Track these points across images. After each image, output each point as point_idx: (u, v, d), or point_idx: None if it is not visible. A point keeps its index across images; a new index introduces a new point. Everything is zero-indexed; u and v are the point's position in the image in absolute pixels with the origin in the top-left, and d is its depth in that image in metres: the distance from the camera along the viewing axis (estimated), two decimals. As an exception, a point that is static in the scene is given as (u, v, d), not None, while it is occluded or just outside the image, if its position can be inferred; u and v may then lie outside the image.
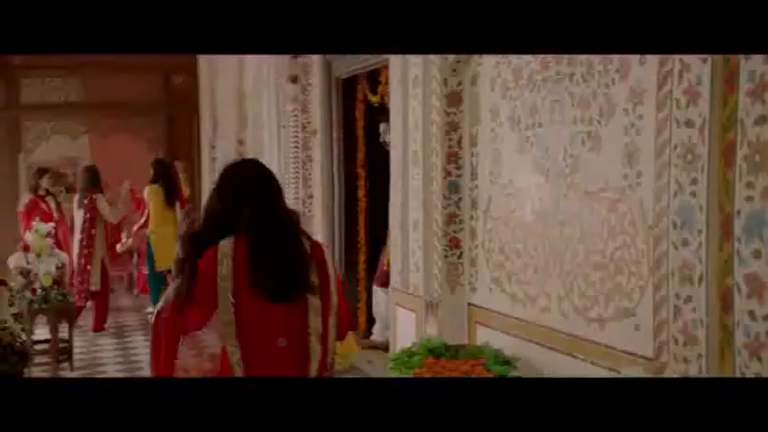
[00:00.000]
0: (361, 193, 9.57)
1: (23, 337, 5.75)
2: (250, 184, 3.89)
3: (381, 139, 8.62)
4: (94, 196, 11.62)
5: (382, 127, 8.56)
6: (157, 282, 12.23)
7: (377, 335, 9.01)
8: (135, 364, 9.72)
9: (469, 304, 6.12)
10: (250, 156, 12.24)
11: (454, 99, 6.09)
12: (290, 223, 3.82)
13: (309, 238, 3.90)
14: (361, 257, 9.61)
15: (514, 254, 5.53)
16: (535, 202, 5.26)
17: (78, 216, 11.73)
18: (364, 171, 9.61)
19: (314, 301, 3.71)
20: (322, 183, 9.75)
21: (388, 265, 8.28)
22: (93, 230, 11.48)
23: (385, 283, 8.31)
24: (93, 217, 11.48)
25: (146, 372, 9.02)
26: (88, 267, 11.42)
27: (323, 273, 3.80)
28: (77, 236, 11.64)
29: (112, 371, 9.43)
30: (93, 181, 11.79)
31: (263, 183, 3.93)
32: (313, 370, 3.71)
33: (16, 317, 5.94)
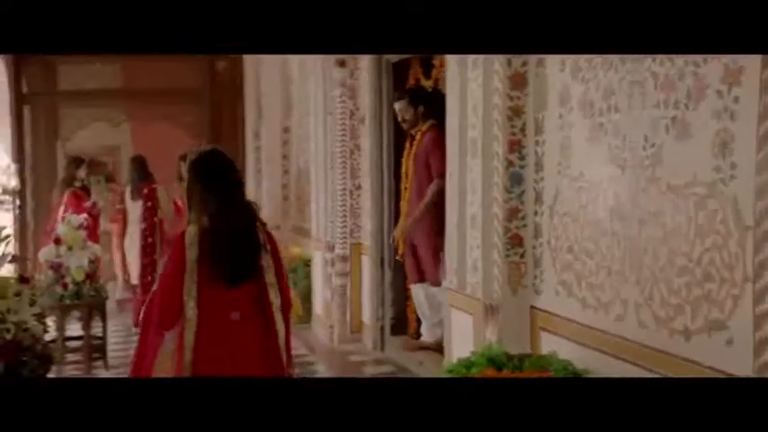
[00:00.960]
0: None
1: (47, 338, 5.37)
2: (210, 176, 4.54)
3: (401, 119, 8.53)
4: (154, 186, 11.50)
5: (399, 105, 8.46)
6: None
7: (426, 335, 8.69)
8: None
9: (533, 308, 5.71)
10: (295, 143, 12.39)
11: (518, 81, 5.67)
12: (247, 213, 4.61)
13: (264, 227, 4.70)
14: None
15: (585, 254, 5.10)
16: (609, 196, 4.83)
17: (135, 207, 11.60)
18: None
19: (271, 280, 4.55)
20: (370, 173, 9.44)
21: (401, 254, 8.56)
22: (154, 220, 11.33)
23: (421, 279, 8.37)
24: (153, 207, 11.34)
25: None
26: (155, 257, 11.25)
27: (276, 258, 4.68)
28: (135, 227, 11.56)
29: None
30: (144, 172, 11.76)
31: (222, 174, 4.57)
32: (281, 340, 4.59)
33: (39, 317, 5.55)
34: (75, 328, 9.23)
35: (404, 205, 8.55)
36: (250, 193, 14.76)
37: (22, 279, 5.64)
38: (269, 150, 13.84)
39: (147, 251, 11.17)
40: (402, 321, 9.32)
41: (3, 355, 5.32)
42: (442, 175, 7.29)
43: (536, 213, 5.67)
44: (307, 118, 11.18)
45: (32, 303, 5.62)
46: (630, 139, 4.62)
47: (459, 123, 6.21)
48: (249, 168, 15.33)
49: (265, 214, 13.28)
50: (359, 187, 9.77)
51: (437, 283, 8.07)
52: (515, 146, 5.72)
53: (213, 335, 4.45)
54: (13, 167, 8.26)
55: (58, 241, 8.90)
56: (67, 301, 8.76)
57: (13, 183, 7.78)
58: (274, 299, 4.57)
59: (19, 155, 14.53)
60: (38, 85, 15.72)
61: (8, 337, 5.37)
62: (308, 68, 10.85)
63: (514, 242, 5.75)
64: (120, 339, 10.63)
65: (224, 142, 15.72)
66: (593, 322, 5.00)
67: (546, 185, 5.54)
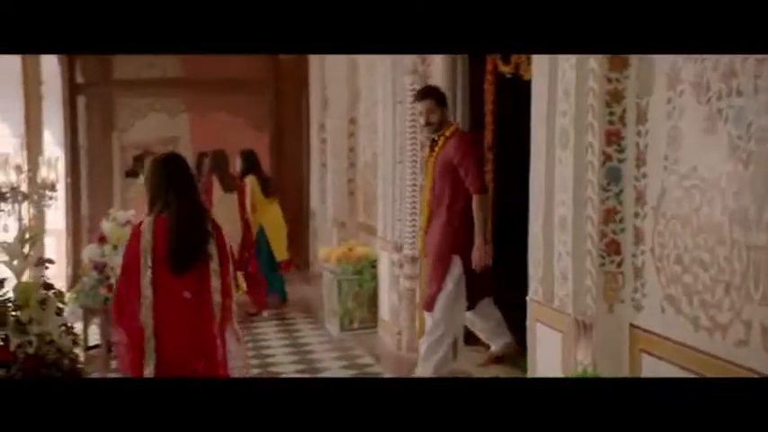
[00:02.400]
0: (488, 178, 8.58)
1: (76, 351, 4.84)
2: (172, 175, 5.36)
3: (426, 121, 7.72)
4: (246, 179, 11.68)
5: (425, 106, 7.64)
6: (273, 271, 12.04)
7: (495, 347, 8.25)
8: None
9: (632, 327, 5.03)
10: (362, 135, 12.07)
11: (618, 61, 5.01)
12: (198, 208, 5.44)
13: (214, 222, 5.49)
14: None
15: (698, 265, 4.41)
16: (729, 197, 4.17)
17: (228, 199, 11.44)
18: (492, 154, 8.76)
19: (215, 267, 5.29)
20: None
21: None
22: (247, 216, 11.53)
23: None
24: (244, 202, 11.51)
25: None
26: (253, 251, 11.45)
27: (221, 249, 5.38)
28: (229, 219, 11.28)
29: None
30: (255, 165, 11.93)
31: (183, 174, 5.43)
32: (217, 318, 5.29)
33: (68, 329, 5.00)
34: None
35: (421, 210, 8.21)
36: (314, 186, 14.73)
37: (47, 285, 5.04)
38: (334, 143, 13.44)
39: (246, 243, 11.39)
40: None
41: (23, 371, 4.73)
42: (481, 189, 7.44)
43: (636, 216, 5.00)
44: (375, 108, 10.77)
45: (59, 312, 5.04)
46: (757, 128, 3.96)
47: (546, 110, 5.55)
48: (314, 162, 15.08)
49: (330, 210, 13.23)
50: None
51: (427, 308, 7.81)
52: (613, 137, 5.06)
53: (167, 311, 5.21)
54: (58, 160, 7.78)
55: (102, 239, 8.49)
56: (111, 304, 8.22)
57: (53, 176, 7.26)
58: (215, 284, 5.29)
59: (72, 147, 14.25)
60: (93, 75, 15.40)
61: (30, 351, 4.81)
62: (376, 55, 10.28)
63: (611, 249, 5.10)
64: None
65: (287, 134, 15.88)
66: (707, 347, 4.34)
67: (649, 183, 4.88)
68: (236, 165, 11.90)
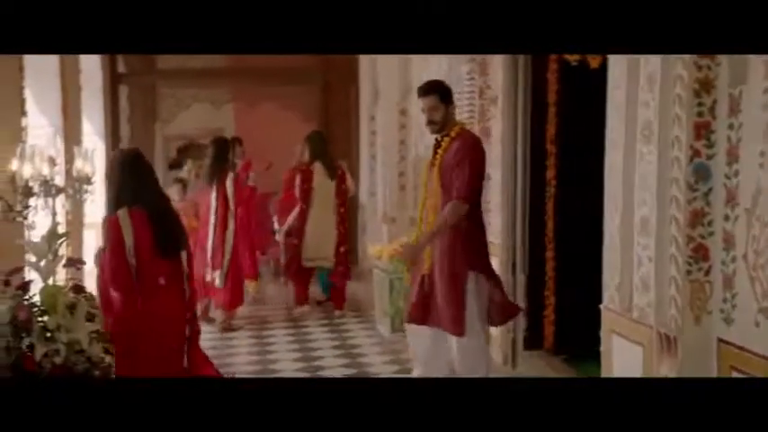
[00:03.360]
0: (550, 174, 8.36)
1: (108, 360, 4.50)
2: (138, 170, 5.72)
3: (427, 119, 6.93)
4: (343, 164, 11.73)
5: (427, 102, 6.86)
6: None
7: None
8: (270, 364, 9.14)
9: (721, 341, 4.65)
10: (415, 127, 11.76)
11: (711, 46, 4.64)
12: (168, 200, 6.02)
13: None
14: (549, 254, 8.42)
15: (801, 275, 3.98)
16: None
17: (326, 185, 11.40)
18: (555, 147, 8.36)
19: (185, 256, 5.82)
20: (502, 162, 8.51)
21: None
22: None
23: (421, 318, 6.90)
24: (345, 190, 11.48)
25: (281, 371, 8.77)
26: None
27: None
28: (334, 209, 11.44)
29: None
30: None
31: (147, 167, 5.85)
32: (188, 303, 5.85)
33: (99, 335, 4.63)
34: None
35: (420, 222, 7.25)
36: (363, 180, 14.51)
37: (77, 288, 4.68)
38: (385, 135, 13.16)
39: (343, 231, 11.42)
40: (537, 334, 8.44)
41: (50, 382, 4.37)
42: (465, 199, 6.54)
43: (727, 218, 4.62)
44: None
45: (91, 318, 4.67)
46: None
47: (625, 100, 5.18)
48: (363, 155, 14.86)
49: (379, 204, 12.89)
50: (487, 178, 8.54)
51: (458, 333, 6.74)
52: (702, 130, 4.69)
53: (145, 296, 5.58)
54: (95, 152, 7.47)
55: None
56: None
57: (89, 169, 6.93)
58: (185, 270, 5.81)
59: (113, 138, 14.09)
60: (135, 64, 15.29)
61: (57, 360, 4.43)
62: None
63: (698, 255, 4.73)
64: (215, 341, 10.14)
65: (336, 126, 15.55)
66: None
67: (742, 182, 4.51)
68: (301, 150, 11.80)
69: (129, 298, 5.59)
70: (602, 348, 5.61)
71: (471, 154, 6.62)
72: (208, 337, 9.73)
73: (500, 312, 6.90)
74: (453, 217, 6.57)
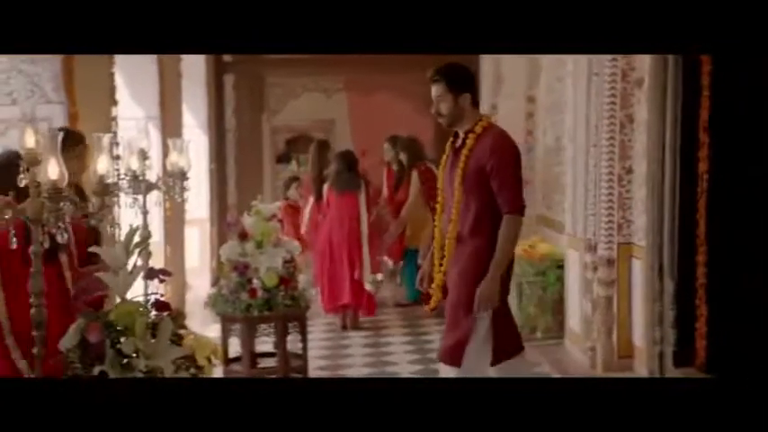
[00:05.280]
0: (702, 167, 7.68)
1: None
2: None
3: (434, 110, 6.06)
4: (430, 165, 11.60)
5: (433, 91, 6.00)
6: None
7: None
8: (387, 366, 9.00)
9: None
10: (543, 116, 11.52)
11: None
12: None
13: None
14: (700, 257, 7.74)
15: None
16: None
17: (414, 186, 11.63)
18: (709, 137, 7.65)
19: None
20: (647, 152, 7.96)
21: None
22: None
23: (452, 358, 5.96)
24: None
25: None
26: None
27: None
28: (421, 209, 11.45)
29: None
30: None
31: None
32: None
33: (189, 364, 4.04)
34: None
35: (437, 234, 6.31)
36: None
37: (160, 305, 4.03)
38: (509, 125, 12.13)
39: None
40: (688, 348, 7.74)
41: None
42: (519, 210, 5.80)
43: None
44: (560, 84, 10.12)
45: (177, 339, 4.05)
46: None
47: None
48: None
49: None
50: (630, 171, 8.37)
51: (452, 363, 5.94)
52: None
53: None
54: (189, 144, 6.96)
55: (243, 236, 7.70)
56: (256, 312, 7.56)
57: (183, 164, 6.38)
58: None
59: (218, 130, 13.85)
60: None
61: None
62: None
63: None
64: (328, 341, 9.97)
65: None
66: None
67: None
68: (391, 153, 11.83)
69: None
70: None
71: (511, 155, 5.87)
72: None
73: (504, 348, 6.00)
74: (514, 235, 5.90)
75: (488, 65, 13.82)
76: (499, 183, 5.79)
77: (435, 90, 5.96)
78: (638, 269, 8.26)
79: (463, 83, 6.00)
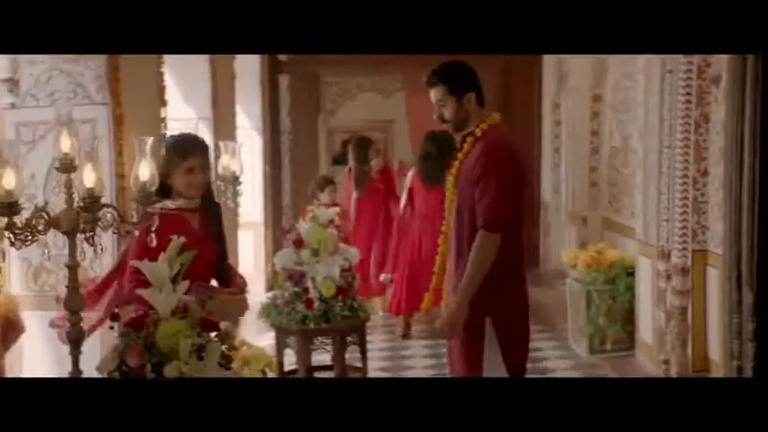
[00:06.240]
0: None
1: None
2: None
3: (437, 115, 5.51)
4: None
5: (434, 95, 5.48)
6: None
7: None
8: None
9: None
10: (610, 115, 11.10)
11: None
12: None
13: None
14: None
15: None
16: None
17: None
18: None
19: None
20: (724, 154, 7.46)
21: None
22: None
23: None
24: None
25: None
26: None
27: None
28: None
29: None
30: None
31: None
32: None
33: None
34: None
35: (438, 261, 5.78)
36: (546, 176, 13.96)
37: (208, 324, 3.68)
38: (573, 125, 12.35)
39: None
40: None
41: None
42: (495, 226, 5.08)
43: None
44: (629, 81, 9.75)
45: (226, 362, 3.69)
46: None
47: None
48: (546, 147, 14.10)
49: (564, 202, 11.93)
50: (705, 173, 7.98)
51: None
52: None
53: None
54: (242, 146, 6.67)
55: (298, 243, 7.26)
56: (312, 324, 7.13)
57: (235, 167, 6.07)
58: None
59: (273, 131, 13.72)
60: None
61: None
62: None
63: None
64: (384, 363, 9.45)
65: (515, 115, 14.57)
66: None
67: None
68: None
69: None
70: None
71: (498, 161, 5.19)
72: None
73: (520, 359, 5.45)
74: (484, 254, 5.16)
75: (550, 61, 13.72)
76: (480, 191, 5.17)
77: (435, 94, 5.41)
78: (714, 278, 7.87)
79: (465, 82, 5.41)
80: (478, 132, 5.29)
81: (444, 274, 5.57)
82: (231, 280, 5.03)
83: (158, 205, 4.52)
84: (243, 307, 4.88)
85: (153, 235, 4.00)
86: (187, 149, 4.87)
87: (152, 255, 4.00)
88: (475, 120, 5.33)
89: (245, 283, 5.16)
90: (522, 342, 5.43)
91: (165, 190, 4.70)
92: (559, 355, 9.28)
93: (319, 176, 11.51)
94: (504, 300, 5.28)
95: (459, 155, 5.38)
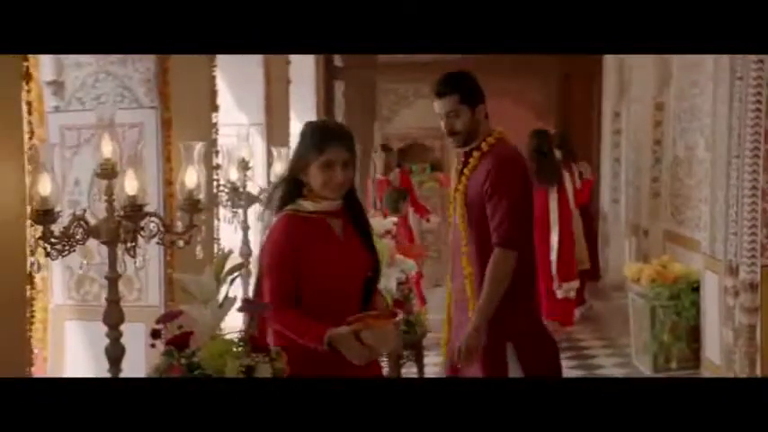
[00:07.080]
0: None
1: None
2: None
3: (446, 128, 5.26)
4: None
5: (442, 106, 5.27)
6: None
7: None
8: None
9: None
10: (673, 124, 10.72)
11: None
12: None
13: None
14: None
15: None
16: None
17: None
18: None
19: None
20: None
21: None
22: None
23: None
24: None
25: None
26: None
27: None
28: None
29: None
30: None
31: None
32: None
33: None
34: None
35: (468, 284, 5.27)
36: (605, 186, 13.75)
37: (257, 344, 3.42)
38: (634, 134, 12.12)
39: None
40: None
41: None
42: (511, 243, 4.85)
43: None
44: (695, 89, 9.45)
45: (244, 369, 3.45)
46: None
47: None
48: (605, 157, 13.94)
49: (624, 213, 11.77)
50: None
51: None
52: None
53: None
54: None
55: None
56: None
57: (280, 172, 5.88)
58: None
59: None
60: (354, 57, 14.50)
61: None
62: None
63: None
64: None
65: (574, 124, 14.86)
66: None
67: None
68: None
69: None
70: None
71: (509, 177, 4.97)
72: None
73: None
74: (501, 273, 4.90)
75: (611, 69, 13.51)
76: (492, 207, 4.98)
77: (446, 105, 5.13)
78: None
79: (478, 93, 5.18)
80: (485, 147, 5.06)
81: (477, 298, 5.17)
82: (377, 301, 4.41)
83: (290, 206, 3.96)
84: (396, 335, 4.19)
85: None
86: (325, 140, 4.01)
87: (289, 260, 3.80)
88: (481, 133, 5.08)
89: (385, 303, 4.67)
90: (546, 362, 5.14)
91: (298, 187, 4.04)
92: (623, 372, 8.99)
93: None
94: (521, 321, 5.03)
95: (466, 170, 5.10)
